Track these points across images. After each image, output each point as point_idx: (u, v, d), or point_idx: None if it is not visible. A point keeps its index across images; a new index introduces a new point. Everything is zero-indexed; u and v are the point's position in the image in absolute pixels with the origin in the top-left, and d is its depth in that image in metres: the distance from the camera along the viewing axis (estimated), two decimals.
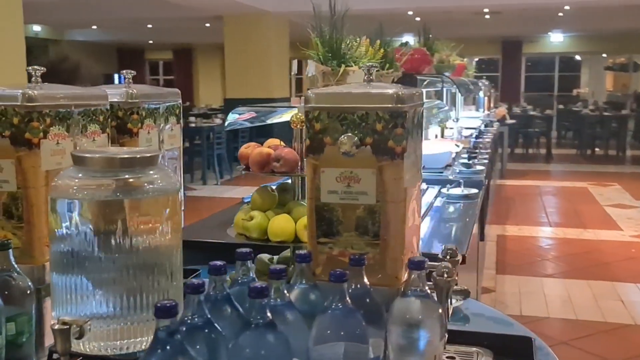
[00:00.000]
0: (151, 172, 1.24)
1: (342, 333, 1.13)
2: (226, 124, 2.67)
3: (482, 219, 4.13)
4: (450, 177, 3.79)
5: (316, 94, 1.33)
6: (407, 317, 1.18)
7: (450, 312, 1.59)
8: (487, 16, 14.66)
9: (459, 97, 6.44)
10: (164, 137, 1.92)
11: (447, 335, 1.28)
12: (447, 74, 6.03)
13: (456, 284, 1.49)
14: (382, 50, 3.23)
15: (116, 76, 21.18)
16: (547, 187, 10.22)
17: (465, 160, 4.45)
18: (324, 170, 1.32)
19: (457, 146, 5.01)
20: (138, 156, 1.24)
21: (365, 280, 1.24)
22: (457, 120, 5.93)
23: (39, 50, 19.82)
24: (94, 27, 18.48)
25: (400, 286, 1.31)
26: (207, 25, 15.21)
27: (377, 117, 1.28)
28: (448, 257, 1.50)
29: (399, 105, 1.28)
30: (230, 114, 2.66)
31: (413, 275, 1.22)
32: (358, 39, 2.96)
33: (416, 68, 4.24)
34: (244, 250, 1.28)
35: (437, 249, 2.40)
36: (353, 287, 1.23)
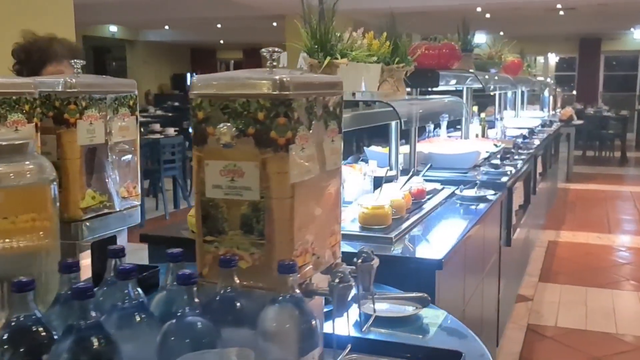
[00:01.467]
0: (17, 161, 1.17)
1: (187, 341, 1.02)
2: None
3: (508, 223, 3.90)
4: (468, 178, 3.61)
5: (200, 80, 1.23)
6: (265, 326, 1.07)
7: (366, 320, 1.48)
8: (561, 12, 14.08)
9: (503, 96, 6.17)
10: (113, 129, 1.87)
11: (320, 346, 1.15)
12: (493, 70, 5.80)
13: (368, 293, 1.36)
14: (388, 43, 3.11)
15: (188, 75, 21.71)
16: (616, 192, 9.69)
17: (498, 161, 4.22)
18: (207, 163, 1.22)
19: (496, 146, 4.78)
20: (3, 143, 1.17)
21: (237, 282, 1.14)
22: (502, 119, 5.67)
23: (117, 50, 20.53)
24: (167, 27, 18.90)
25: (289, 290, 1.20)
26: (275, 24, 15.29)
27: (259, 105, 1.17)
28: (360, 260, 1.38)
29: (283, 93, 1.16)
30: None
31: (286, 280, 1.10)
32: (350, 32, 2.85)
33: (443, 63, 4.06)
34: (174, 251, 1.20)
35: (409, 252, 2.26)
36: (222, 290, 1.14)
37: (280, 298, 1.10)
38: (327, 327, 1.27)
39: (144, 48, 20.99)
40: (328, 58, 2.48)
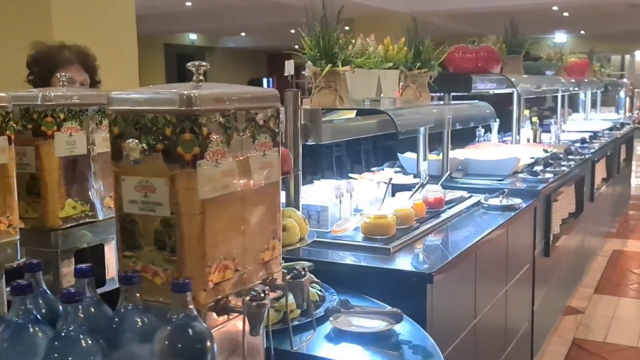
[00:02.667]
0: None
1: (69, 358, 1.03)
2: None
3: (547, 233, 3.73)
4: (503, 186, 3.48)
5: (116, 96, 1.23)
6: (155, 345, 1.06)
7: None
8: None
9: (566, 99, 5.92)
10: (96, 140, 1.91)
11: None
12: (549, 72, 5.59)
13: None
14: (405, 49, 3.05)
15: (264, 80, 22.07)
16: None
17: (540, 167, 4.06)
18: (124, 179, 1.22)
19: (546, 152, 4.60)
20: None
21: (138, 299, 1.14)
22: (556, 122, 5.45)
23: (197, 57, 21.09)
24: (243, 34, 19.29)
25: (201, 309, 1.19)
26: (347, 28, 15.29)
27: (166, 120, 1.16)
28: (290, 277, 1.35)
29: (190, 109, 1.15)
30: None
31: (179, 298, 1.09)
32: (362, 38, 2.81)
33: (482, 67, 3.94)
34: (83, 266, 1.22)
35: (401, 265, 2.20)
36: (124, 307, 1.14)
37: (174, 317, 1.08)
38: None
39: (222, 54, 21.50)
40: (329, 66, 2.45)
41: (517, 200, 3.17)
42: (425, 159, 3.47)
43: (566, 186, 4.36)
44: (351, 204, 2.68)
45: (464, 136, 6.17)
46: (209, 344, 1.09)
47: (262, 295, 1.21)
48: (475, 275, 2.58)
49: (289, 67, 2.57)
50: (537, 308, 3.60)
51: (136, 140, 1.17)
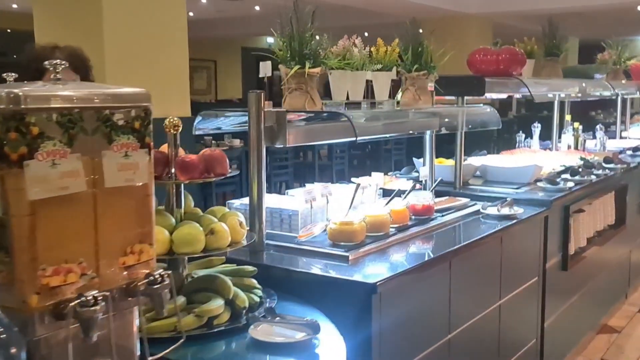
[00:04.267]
0: None
1: None
2: (194, 129, 2.62)
3: (564, 246, 3.51)
4: (518, 195, 3.32)
5: None
6: None
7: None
8: None
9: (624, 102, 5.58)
10: None
11: None
12: (599, 76, 5.30)
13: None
14: (397, 51, 2.95)
15: None
16: None
17: (567, 176, 3.83)
18: None
19: (584, 159, 4.35)
20: None
21: None
22: (601, 129, 5.14)
23: (274, 60, 21.34)
24: (317, 37, 19.27)
25: (33, 312, 1.17)
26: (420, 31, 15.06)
27: None
28: (146, 282, 1.30)
29: (17, 107, 1.13)
30: (197, 117, 2.61)
31: None
32: (345, 40, 2.73)
33: (503, 70, 3.77)
34: None
35: (347, 274, 2.12)
36: None
37: None
38: None
39: None
40: (296, 67, 2.39)
41: (518, 210, 3.01)
42: (425, 163, 3.34)
43: (600, 196, 4.11)
44: (327, 209, 2.60)
45: (506, 140, 5.91)
46: (14, 350, 1.06)
47: (93, 300, 1.17)
48: (450, 286, 2.45)
49: (264, 69, 2.52)
50: (550, 324, 3.39)
51: None
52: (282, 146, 2.41)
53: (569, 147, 4.91)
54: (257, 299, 1.96)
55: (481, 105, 3.38)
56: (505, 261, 2.87)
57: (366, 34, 14.96)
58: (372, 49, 2.94)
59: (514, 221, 2.90)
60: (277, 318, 1.82)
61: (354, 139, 2.36)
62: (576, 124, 4.92)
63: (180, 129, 1.93)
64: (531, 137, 5.11)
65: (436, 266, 2.35)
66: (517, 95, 4.20)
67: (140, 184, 1.33)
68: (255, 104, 2.31)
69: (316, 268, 2.19)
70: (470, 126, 3.36)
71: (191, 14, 14.02)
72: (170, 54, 5.01)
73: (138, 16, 4.77)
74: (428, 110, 3.12)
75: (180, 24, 5.21)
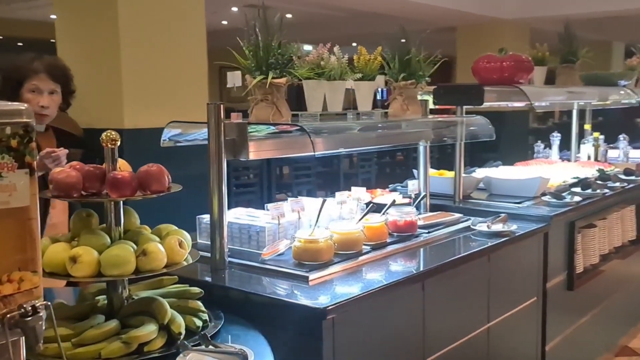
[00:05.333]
0: None
1: None
2: (162, 140, 2.53)
3: (570, 264, 3.30)
4: (520, 210, 3.14)
5: None
6: None
7: None
8: None
9: None
10: None
11: None
12: (624, 82, 5.04)
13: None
14: (379, 59, 2.81)
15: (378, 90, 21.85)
16: None
17: (578, 189, 3.62)
18: None
19: (601, 171, 4.13)
20: None
21: None
22: (624, 138, 4.88)
23: None
24: (354, 44, 19.23)
25: None
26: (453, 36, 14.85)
27: None
28: (17, 315, 1.20)
29: None
30: (165, 129, 2.52)
31: None
32: (321, 48, 2.61)
33: (508, 77, 3.58)
34: None
35: (296, 298, 1.99)
36: None
37: None
38: None
39: None
40: (260, 77, 2.28)
41: (511, 226, 2.83)
42: (418, 176, 3.19)
43: (618, 210, 3.88)
44: (298, 224, 2.47)
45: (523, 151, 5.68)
46: None
47: None
48: (424, 309, 2.29)
49: (233, 79, 2.42)
50: (554, 347, 3.19)
51: None
52: (245, 159, 2.30)
53: (588, 157, 4.67)
54: (200, 323, 1.85)
55: (474, 115, 3.20)
56: (495, 280, 2.70)
57: (403, 41, 14.79)
58: (354, 57, 2.82)
59: (505, 238, 2.73)
60: (210, 346, 1.71)
61: (320, 152, 2.23)
62: (596, 134, 4.68)
63: (119, 143, 1.84)
64: (550, 147, 4.90)
65: (406, 287, 2.20)
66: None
67: (19, 206, 1.24)
68: (214, 116, 2.21)
69: (269, 289, 2.07)
70: (460, 139, 3.19)
71: (225, 22, 14.11)
72: (189, 67, 4.93)
73: (155, 29, 4.73)
74: (417, 121, 2.97)
75: (199, 38, 5.14)
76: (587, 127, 4.80)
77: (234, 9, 12.24)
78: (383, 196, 3.12)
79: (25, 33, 12.07)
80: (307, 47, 15.69)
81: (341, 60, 2.67)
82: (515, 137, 10.16)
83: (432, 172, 3.75)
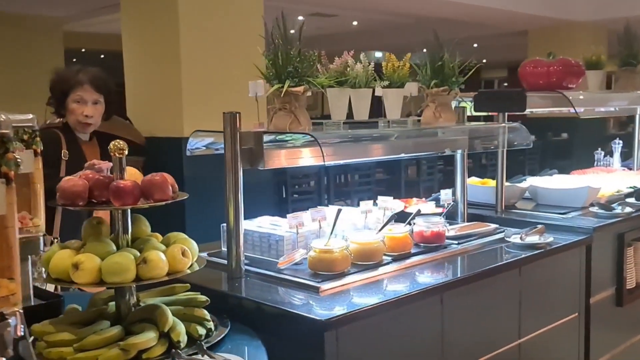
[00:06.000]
0: None
1: None
2: (187, 150, 2.56)
3: (619, 279, 3.13)
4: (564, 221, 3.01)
5: None
6: None
7: None
8: None
9: None
10: None
11: None
12: None
13: None
14: (407, 66, 2.77)
15: None
16: None
17: (632, 200, 3.44)
18: None
19: None
20: None
21: None
22: None
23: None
24: (424, 50, 19.01)
25: None
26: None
27: None
28: None
29: None
30: (190, 139, 2.56)
31: None
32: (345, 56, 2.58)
33: (556, 82, 3.45)
34: None
35: (300, 309, 1.97)
36: None
37: None
38: None
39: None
40: (277, 85, 2.27)
41: (548, 238, 2.71)
42: (455, 185, 3.11)
43: None
44: (319, 234, 2.45)
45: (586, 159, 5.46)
46: None
47: None
48: (443, 323, 2.22)
49: (255, 88, 2.42)
50: None
51: None
52: (262, 168, 2.30)
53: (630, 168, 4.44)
54: (203, 332, 1.86)
55: (511, 122, 3.09)
56: (528, 295, 2.59)
57: (475, 45, 14.54)
58: (382, 65, 2.78)
59: (539, 250, 2.61)
60: (205, 356, 1.71)
61: (336, 162, 2.20)
62: None
63: (126, 152, 1.87)
64: (611, 155, 4.69)
65: (422, 301, 2.14)
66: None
67: None
68: (230, 125, 2.21)
69: (276, 299, 2.05)
70: (492, 147, 3.09)
71: (292, 31, 14.24)
72: (248, 76, 5.00)
73: (215, 39, 4.83)
74: (452, 128, 2.90)
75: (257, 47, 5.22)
76: None
77: (300, 17, 12.34)
78: (416, 205, 3.06)
79: (105, 46, 12.56)
80: (378, 54, 15.49)
81: (367, 67, 2.64)
82: (591, 144, 9.80)
83: (475, 180, 3.67)
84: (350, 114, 2.63)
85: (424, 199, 3.38)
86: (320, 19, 12.13)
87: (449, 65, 2.87)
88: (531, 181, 3.67)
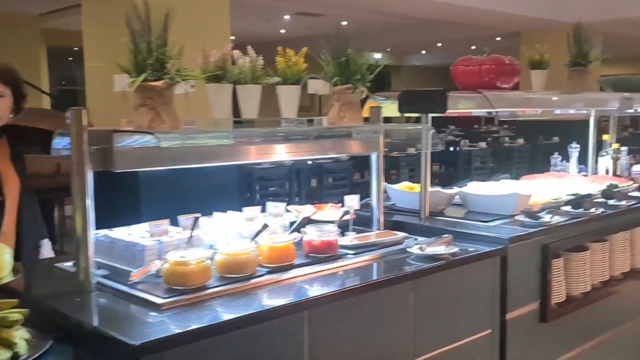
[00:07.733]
0: None
1: None
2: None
3: (544, 293, 2.88)
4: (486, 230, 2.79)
5: None
6: None
7: None
8: None
9: None
10: None
11: None
12: None
13: None
14: (301, 62, 2.56)
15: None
16: None
17: (569, 208, 3.21)
18: None
19: (612, 186, 3.67)
20: None
21: None
22: None
23: (385, 76, 21.03)
24: (423, 52, 18.82)
25: None
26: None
27: None
28: None
29: None
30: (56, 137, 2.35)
31: None
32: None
33: (488, 82, 3.23)
34: None
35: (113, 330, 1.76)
36: None
37: None
38: None
39: (408, 72, 21.33)
40: (138, 79, 2.06)
41: (453, 249, 2.48)
42: (370, 189, 2.90)
43: (626, 231, 3.43)
44: (172, 245, 2.22)
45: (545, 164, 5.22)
46: None
47: None
48: (309, 344, 2.00)
49: (122, 82, 2.21)
50: None
51: None
52: (117, 171, 2.08)
53: (607, 171, 4.19)
54: (7, 355, 1.65)
55: (416, 124, 2.86)
56: (424, 310, 2.36)
57: (473, 47, 14.36)
58: (276, 60, 2.57)
59: (439, 262, 2.39)
60: None
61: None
62: (615, 145, 4.19)
63: None
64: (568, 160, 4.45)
65: (281, 318, 1.92)
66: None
67: None
68: (75, 122, 2.01)
69: (95, 317, 1.86)
70: (415, 149, 2.89)
71: (283, 31, 14.03)
72: None
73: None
74: (362, 129, 2.69)
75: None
76: (606, 137, 4.31)
77: (286, 17, 12.13)
78: (327, 211, 2.83)
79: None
80: (377, 55, 15.29)
81: (256, 62, 2.43)
82: (583, 148, 9.54)
83: (404, 185, 3.45)
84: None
85: (340, 204, 3.16)
86: (308, 18, 11.93)
87: (355, 62, 2.65)
88: (469, 187, 3.43)
